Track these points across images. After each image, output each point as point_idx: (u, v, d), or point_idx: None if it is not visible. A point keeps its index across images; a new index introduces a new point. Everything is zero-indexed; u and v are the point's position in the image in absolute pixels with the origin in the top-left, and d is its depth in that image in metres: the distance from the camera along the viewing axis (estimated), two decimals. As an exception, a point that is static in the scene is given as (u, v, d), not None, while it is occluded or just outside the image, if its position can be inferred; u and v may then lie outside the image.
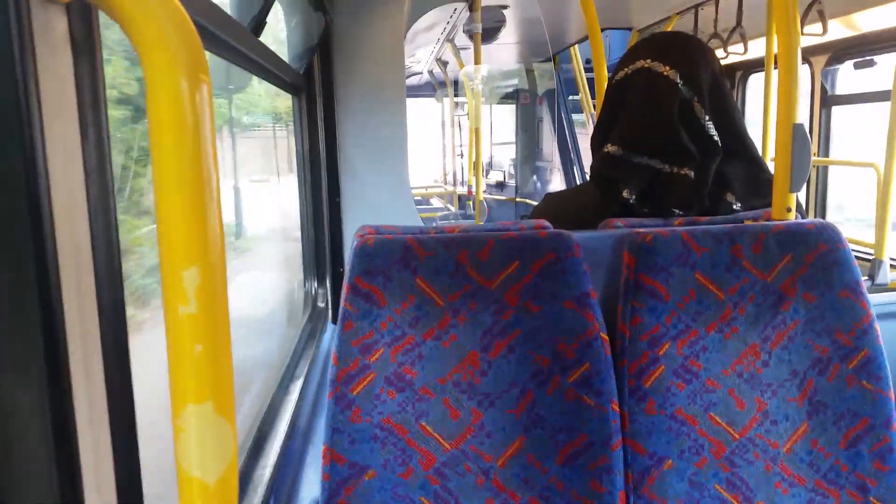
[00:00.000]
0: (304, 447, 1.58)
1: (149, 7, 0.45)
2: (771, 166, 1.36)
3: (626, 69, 1.43)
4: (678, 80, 1.35)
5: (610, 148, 1.40)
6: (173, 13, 0.45)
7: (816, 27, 2.54)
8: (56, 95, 0.51)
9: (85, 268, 0.55)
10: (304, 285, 2.41)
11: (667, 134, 1.35)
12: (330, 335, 2.20)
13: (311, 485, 1.46)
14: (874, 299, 1.22)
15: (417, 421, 1.10)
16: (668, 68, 1.36)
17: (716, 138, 1.36)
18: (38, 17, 0.48)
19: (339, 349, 1.09)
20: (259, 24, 1.44)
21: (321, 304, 2.42)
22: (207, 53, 0.57)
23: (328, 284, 2.43)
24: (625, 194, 1.38)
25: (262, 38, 1.49)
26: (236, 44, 1.27)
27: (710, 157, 1.36)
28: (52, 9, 0.50)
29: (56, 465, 0.50)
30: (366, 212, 2.61)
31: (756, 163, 1.42)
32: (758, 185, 1.41)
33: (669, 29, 3.80)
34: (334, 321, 2.35)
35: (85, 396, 0.53)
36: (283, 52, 2.10)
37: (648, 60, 1.39)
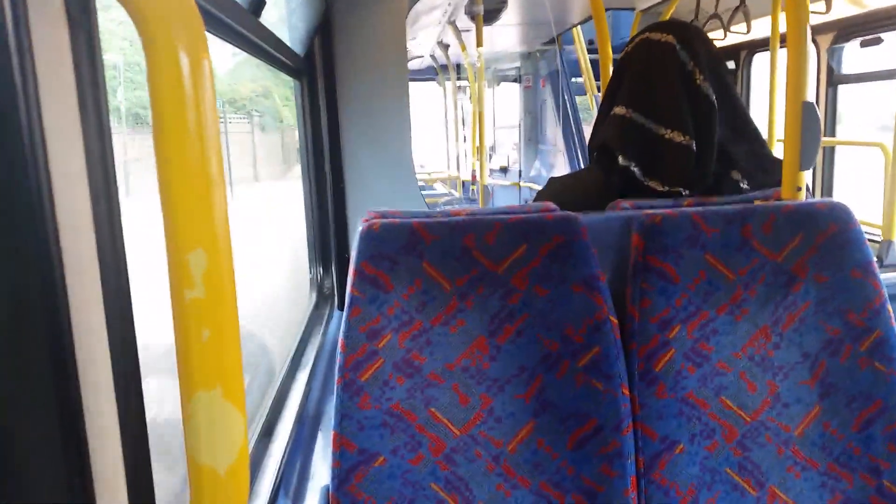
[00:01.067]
0: (312, 434, 1.58)
1: None
2: (779, 147, 1.35)
3: (627, 48, 1.48)
4: (675, 44, 1.39)
5: (616, 110, 1.41)
6: None
7: (820, 6, 2.50)
8: (52, 72, 0.49)
9: (88, 254, 0.53)
10: (310, 272, 2.40)
11: (665, 92, 1.37)
12: (337, 322, 2.19)
13: (320, 471, 1.46)
14: (885, 280, 1.20)
15: (426, 407, 1.10)
16: (664, 35, 1.41)
17: (714, 102, 1.36)
18: None
19: (347, 335, 1.08)
20: (259, 4, 1.42)
21: (327, 291, 2.41)
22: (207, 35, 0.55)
23: (334, 270, 2.42)
24: (621, 160, 1.38)
25: (262, 21, 1.47)
26: (236, 25, 1.25)
27: (709, 123, 1.35)
28: None
29: (66, 464, 0.49)
30: (370, 197, 2.59)
31: (759, 140, 1.43)
32: (763, 163, 1.40)
33: (672, 8, 3.76)
34: (341, 307, 2.34)
35: (93, 394, 0.52)
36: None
37: (646, 34, 1.45)
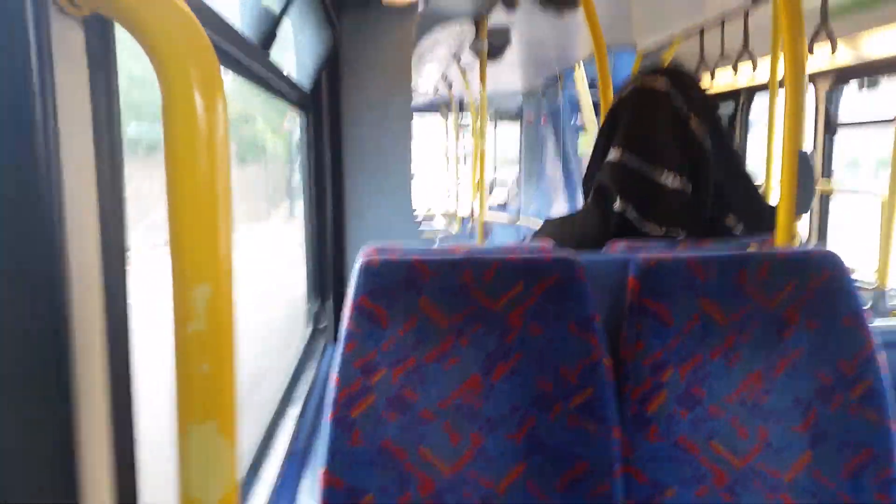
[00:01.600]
0: (301, 469, 1.56)
1: (167, 23, 0.45)
2: (776, 191, 1.37)
3: (621, 93, 1.49)
4: (669, 89, 1.41)
5: (610, 154, 1.43)
6: (191, 30, 0.46)
7: (818, 49, 2.55)
8: (71, 108, 0.51)
9: (93, 279, 0.55)
10: (307, 304, 2.40)
11: (660, 138, 1.38)
12: (330, 356, 2.19)
13: None
14: (876, 328, 1.21)
15: (417, 445, 1.09)
16: (658, 80, 1.43)
17: (709, 150, 1.38)
18: (56, 29, 0.48)
19: (341, 370, 1.08)
20: (268, 40, 1.45)
21: (322, 324, 2.41)
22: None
23: (331, 304, 2.42)
24: (617, 205, 1.39)
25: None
26: (247, 60, 1.27)
27: (703, 168, 1.37)
28: (69, 22, 0.50)
29: (53, 467, 0.50)
30: (369, 229, 2.60)
31: (752, 186, 1.45)
32: (757, 209, 1.42)
33: (674, 50, 3.83)
34: (335, 340, 2.34)
35: (88, 407, 0.53)
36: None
37: (640, 80, 1.46)
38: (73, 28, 0.51)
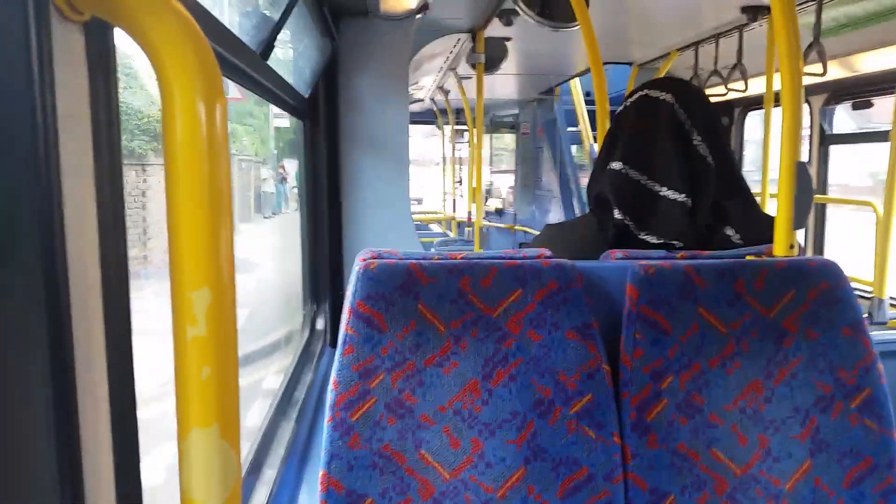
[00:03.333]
0: (300, 473, 1.56)
1: (168, 29, 0.45)
2: (772, 203, 1.38)
3: (626, 102, 1.49)
4: (673, 102, 1.40)
5: (612, 165, 1.43)
6: (192, 36, 0.46)
7: (816, 67, 2.57)
8: (71, 112, 0.51)
9: (93, 280, 0.54)
10: (304, 308, 2.40)
11: (661, 150, 1.38)
12: (328, 359, 2.18)
13: None
14: (874, 337, 1.21)
15: (417, 449, 1.09)
16: (663, 93, 1.43)
17: (710, 163, 1.38)
18: (56, 35, 0.48)
19: (339, 374, 1.08)
20: (268, 49, 1.45)
21: (319, 328, 2.41)
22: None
23: (327, 308, 2.42)
24: (617, 214, 1.39)
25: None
26: (246, 68, 1.28)
27: (704, 183, 1.37)
28: (69, 27, 0.50)
29: (57, 467, 0.49)
30: (366, 236, 2.61)
31: (750, 197, 1.46)
32: (755, 220, 1.43)
33: (669, 65, 3.85)
34: (332, 345, 2.34)
35: (91, 405, 0.53)
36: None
37: (646, 90, 1.46)
38: (74, 33, 0.51)
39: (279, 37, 1.54)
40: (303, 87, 2.09)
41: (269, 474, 1.41)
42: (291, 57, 2.05)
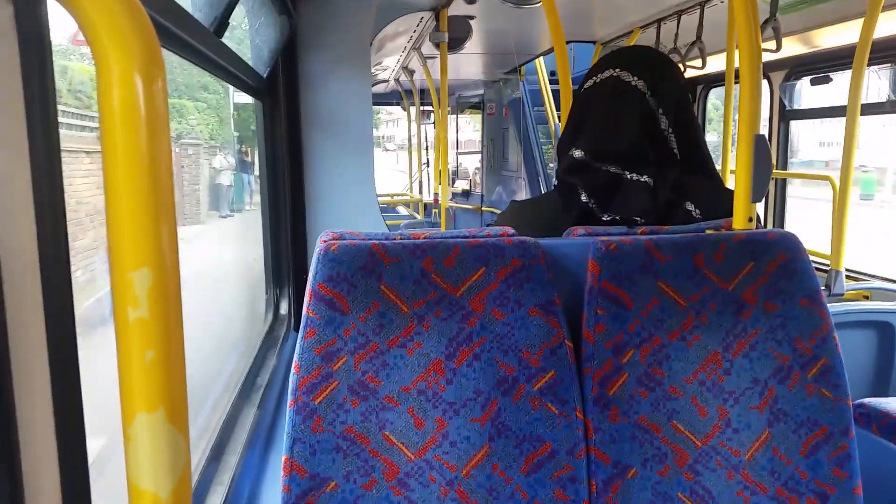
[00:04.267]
0: (263, 458, 1.55)
1: None
2: (732, 178, 1.39)
3: (594, 78, 1.46)
4: (645, 91, 1.37)
5: (575, 153, 1.41)
6: (129, 6, 0.43)
7: (772, 44, 2.60)
8: (1, 87, 0.48)
9: (31, 270, 0.52)
10: (266, 292, 2.37)
11: (629, 141, 1.37)
12: (292, 344, 2.16)
13: (270, 497, 1.43)
14: (831, 309, 1.24)
15: (381, 430, 1.08)
16: (636, 78, 1.39)
17: (675, 151, 1.38)
18: None
19: (301, 357, 1.07)
20: (221, 26, 1.41)
21: (283, 312, 2.38)
22: (166, 52, 0.55)
23: (291, 292, 2.39)
24: (583, 198, 1.39)
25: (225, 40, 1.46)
26: (197, 44, 1.24)
27: (668, 167, 1.38)
28: None
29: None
30: (331, 218, 2.59)
31: (714, 178, 1.46)
32: (717, 196, 1.44)
33: (632, 43, 3.87)
34: (297, 329, 2.32)
35: (29, 405, 0.51)
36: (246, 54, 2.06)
37: (617, 70, 1.42)
38: (1, 2, 0.48)
39: (235, 13, 1.50)
40: (261, 67, 2.05)
41: (232, 461, 1.40)
42: (248, 34, 2.01)
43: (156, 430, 0.46)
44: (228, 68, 1.59)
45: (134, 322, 0.45)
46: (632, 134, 1.37)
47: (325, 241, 1.12)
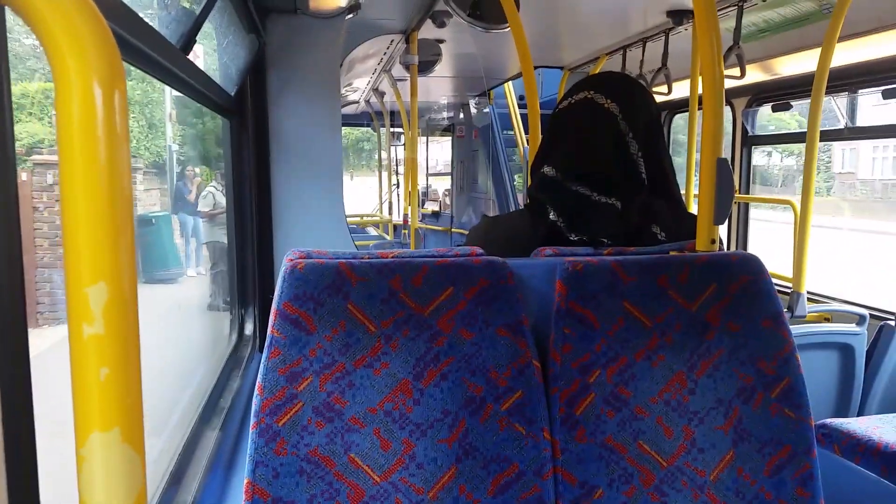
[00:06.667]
0: (225, 482, 1.51)
1: (62, 9, 0.42)
2: (695, 202, 1.41)
3: (569, 99, 1.48)
4: (617, 114, 1.39)
5: (546, 170, 1.42)
6: (89, 16, 0.43)
7: (736, 71, 2.67)
8: None
9: None
10: (231, 312, 2.34)
11: (599, 163, 1.39)
12: (258, 365, 2.13)
13: None
14: (793, 330, 1.26)
15: (346, 453, 1.06)
16: (609, 101, 1.41)
17: (644, 175, 1.40)
18: None
19: (265, 378, 1.05)
20: (188, 43, 1.40)
21: (248, 332, 2.35)
22: (131, 68, 0.54)
23: (256, 312, 2.36)
24: (551, 216, 1.40)
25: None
26: (164, 61, 1.23)
27: (636, 191, 1.40)
28: None
29: None
30: (299, 238, 2.57)
31: (679, 203, 1.49)
32: (681, 221, 1.46)
33: (598, 69, 3.94)
34: (262, 350, 2.28)
35: None
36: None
37: (591, 92, 1.44)
38: None
39: (203, 31, 1.49)
40: (229, 85, 2.04)
41: (192, 485, 1.36)
42: (216, 53, 2.00)
43: (110, 450, 0.45)
44: (195, 86, 1.57)
45: (89, 339, 0.43)
46: (603, 156, 1.39)
47: (291, 260, 1.10)
